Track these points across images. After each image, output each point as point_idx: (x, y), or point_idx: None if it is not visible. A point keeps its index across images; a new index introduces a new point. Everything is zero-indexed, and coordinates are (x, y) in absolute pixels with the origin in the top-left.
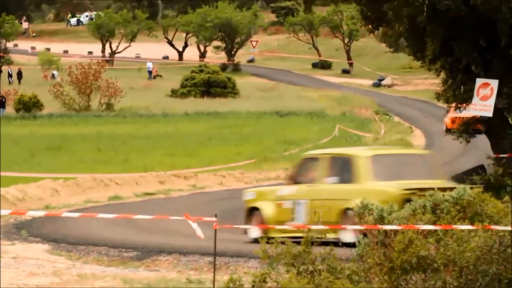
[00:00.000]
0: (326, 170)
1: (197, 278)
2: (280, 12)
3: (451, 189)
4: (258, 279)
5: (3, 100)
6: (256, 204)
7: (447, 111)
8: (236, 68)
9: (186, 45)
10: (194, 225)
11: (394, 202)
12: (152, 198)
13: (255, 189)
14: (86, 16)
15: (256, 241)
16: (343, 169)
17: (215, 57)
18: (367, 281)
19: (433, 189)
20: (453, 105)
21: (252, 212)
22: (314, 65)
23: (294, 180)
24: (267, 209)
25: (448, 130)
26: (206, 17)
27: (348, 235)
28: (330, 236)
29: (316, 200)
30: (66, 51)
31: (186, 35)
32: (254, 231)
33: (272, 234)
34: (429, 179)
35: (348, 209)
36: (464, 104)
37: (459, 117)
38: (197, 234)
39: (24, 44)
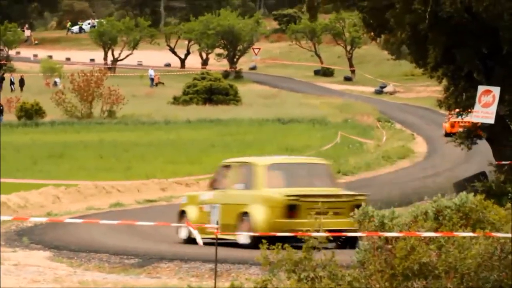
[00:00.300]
0: (235, 177)
1: (198, 285)
2: (282, 20)
3: (338, 196)
4: (260, 285)
5: (1, 108)
6: (184, 208)
7: (449, 119)
8: (238, 76)
9: (188, 53)
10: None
11: (278, 207)
12: (154, 205)
13: (187, 193)
14: (89, 23)
15: (186, 241)
16: (247, 176)
17: (217, 64)
18: (368, 287)
19: (320, 195)
20: (453, 112)
21: (182, 215)
22: (316, 72)
23: (212, 186)
24: (191, 212)
25: (447, 135)
26: (208, 24)
27: (243, 237)
28: (229, 238)
29: (225, 204)
30: (68, 59)
31: (188, 42)
32: (183, 232)
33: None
34: (320, 187)
35: (244, 213)
36: (466, 111)
37: (458, 122)
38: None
39: (26, 52)
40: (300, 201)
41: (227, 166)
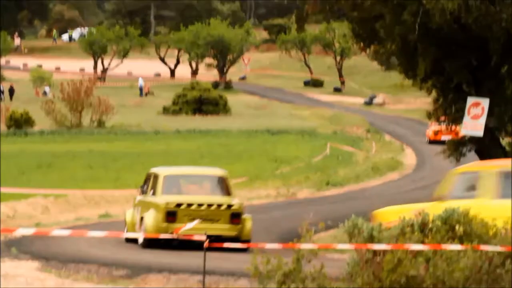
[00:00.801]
0: (151, 185)
1: None
2: (272, 30)
3: (213, 204)
4: None
5: None
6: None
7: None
8: (228, 86)
9: (178, 62)
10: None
11: (159, 212)
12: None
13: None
14: (79, 32)
15: (144, 245)
16: (154, 184)
17: (207, 74)
18: None
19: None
20: (441, 120)
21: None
22: (306, 83)
23: (142, 191)
24: (128, 214)
25: (431, 142)
26: (198, 34)
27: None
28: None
29: (142, 208)
30: (58, 68)
31: (178, 52)
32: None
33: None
34: (208, 196)
35: (142, 217)
36: (455, 123)
37: (441, 130)
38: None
39: (16, 61)
40: (183, 208)
41: (150, 175)
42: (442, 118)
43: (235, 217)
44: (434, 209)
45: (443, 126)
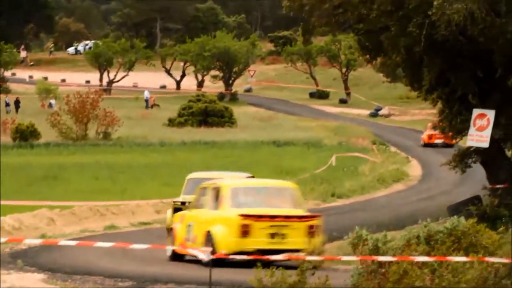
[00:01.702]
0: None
1: None
2: (278, 42)
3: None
4: None
5: None
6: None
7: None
8: (234, 98)
9: (183, 74)
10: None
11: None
12: (148, 228)
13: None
14: (86, 44)
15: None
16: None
17: (213, 86)
18: None
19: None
20: (430, 124)
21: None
22: (312, 95)
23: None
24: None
25: (425, 145)
26: (204, 46)
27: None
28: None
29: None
30: (63, 80)
31: (184, 64)
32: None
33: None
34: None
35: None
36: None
37: (435, 134)
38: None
39: (22, 73)
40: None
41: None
42: (434, 123)
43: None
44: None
45: (436, 131)
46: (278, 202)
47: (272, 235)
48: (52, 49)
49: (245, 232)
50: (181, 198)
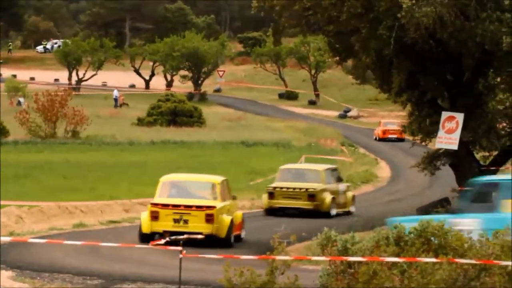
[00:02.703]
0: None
1: None
2: (247, 43)
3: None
4: None
5: None
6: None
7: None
8: (203, 98)
9: (153, 74)
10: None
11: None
12: (117, 226)
13: None
14: (56, 43)
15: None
16: None
17: (182, 86)
18: None
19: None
20: (383, 121)
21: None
22: (281, 96)
23: None
24: None
25: (380, 140)
26: (173, 46)
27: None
28: None
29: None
30: (32, 78)
31: (153, 64)
32: None
33: None
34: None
35: None
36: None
37: (388, 129)
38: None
39: None
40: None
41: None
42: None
43: (311, 196)
44: None
45: (390, 126)
46: (200, 193)
47: (176, 220)
48: (11, 47)
49: (154, 217)
50: (274, 184)
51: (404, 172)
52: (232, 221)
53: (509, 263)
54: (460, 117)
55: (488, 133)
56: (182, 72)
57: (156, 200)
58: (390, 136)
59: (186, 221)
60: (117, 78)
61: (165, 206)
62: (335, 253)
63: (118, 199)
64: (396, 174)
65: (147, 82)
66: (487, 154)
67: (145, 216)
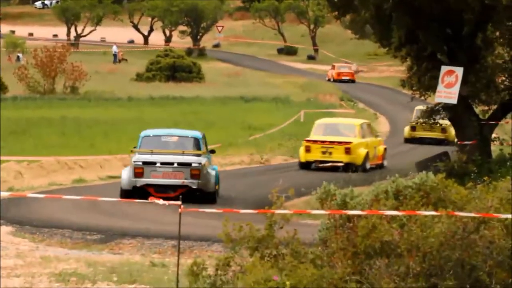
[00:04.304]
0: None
1: (160, 261)
2: None
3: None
4: (222, 262)
5: None
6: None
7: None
8: (202, 53)
9: (151, 30)
10: (159, 201)
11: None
12: (117, 182)
13: None
14: None
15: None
16: None
17: (181, 41)
18: (331, 265)
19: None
20: (337, 64)
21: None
22: (280, 51)
23: None
24: None
25: (334, 80)
26: (172, 1)
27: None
28: None
29: None
30: (31, 34)
31: (152, 19)
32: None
33: None
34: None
35: None
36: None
37: (342, 72)
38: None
39: None
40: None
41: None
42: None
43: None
44: None
45: (343, 69)
46: (343, 132)
47: (323, 152)
48: None
49: (307, 150)
50: (310, 138)
51: (403, 127)
52: (367, 153)
53: (508, 216)
54: (459, 71)
55: (487, 87)
56: (181, 28)
57: (310, 137)
58: (343, 77)
59: (330, 153)
60: (116, 34)
61: (315, 141)
62: (334, 207)
63: (117, 154)
64: (395, 129)
65: (146, 38)
66: (486, 108)
67: (301, 149)
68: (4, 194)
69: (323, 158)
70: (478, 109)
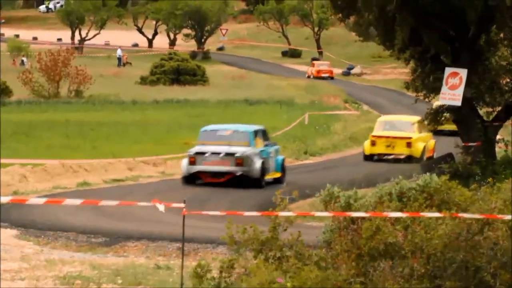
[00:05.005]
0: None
1: (165, 263)
2: (250, 0)
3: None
4: (226, 265)
5: None
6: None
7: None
8: (206, 56)
9: (156, 33)
10: (161, 207)
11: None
12: (121, 185)
13: None
14: (58, 2)
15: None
16: None
17: (185, 45)
18: (335, 267)
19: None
20: (315, 62)
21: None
22: (284, 54)
23: None
24: None
25: (314, 77)
26: (176, 4)
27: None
28: None
29: None
30: (35, 38)
31: (156, 22)
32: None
33: None
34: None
35: None
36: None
37: (322, 70)
38: (160, 209)
39: None
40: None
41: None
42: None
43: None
44: None
45: (322, 67)
46: (403, 128)
47: (387, 146)
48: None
49: (373, 144)
50: (375, 133)
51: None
52: (424, 147)
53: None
54: (463, 73)
55: (491, 89)
56: (185, 31)
57: (374, 133)
58: (323, 75)
59: (393, 147)
60: (120, 37)
61: (380, 137)
62: (338, 209)
63: (122, 158)
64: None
65: (150, 41)
66: (490, 109)
67: (367, 143)
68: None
69: (386, 151)
70: (482, 111)
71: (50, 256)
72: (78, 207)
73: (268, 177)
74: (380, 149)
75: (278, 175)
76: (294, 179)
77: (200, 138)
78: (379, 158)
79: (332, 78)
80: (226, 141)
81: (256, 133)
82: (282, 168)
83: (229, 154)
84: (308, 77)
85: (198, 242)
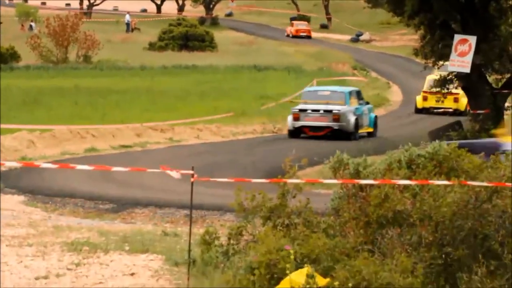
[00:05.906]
0: None
1: (173, 230)
2: None
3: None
4: (234, 232)
5: None
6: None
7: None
8: (214, 22)
9: None
10: (173, 173)
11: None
12: (129, 151)
13: None
14: None
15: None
16: None
17: (194, 10)
18: (343, 235)
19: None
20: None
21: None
22: (292, 20)
23: None
24: None
25: (293, 37)
26: None
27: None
28: None
29: None
30: (44, 3)
31: None
32: None
33: None
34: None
35: None
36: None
37: (301, 29)
38: (175, 176)
39: None
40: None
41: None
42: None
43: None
44: None
45: (300, 27)
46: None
47: (437, 100)
48: None
49: (424, 99)
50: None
51: (415, 95)
52: (467, 102)
53: None
54: (472, 40)
55: (500, 56)
56: None
57: (425, 89)
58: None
59: (442, 101)
60: (129, 2)
61: (431, 92)
62: (347, 177)
63: (130, 124)
64: (408, 98)
65: (159, 7)
66: (499, 77)
67: (419, 97)
68: (16, 164)
69: (436, 105)
70: (491, 78)
71: (57, 223)
72: (86, 174)
73: (362, 131)
74: (430, 103)
75: (370, 130)
76: (302, 146)
77: (303, 97)
78: (432, 111)
79: (309, 37)
80: (325, 100)
81: (351, 93)
82: (375, 124)
83: (327, 111)
84: (287, 35)
85: (206, 209)
